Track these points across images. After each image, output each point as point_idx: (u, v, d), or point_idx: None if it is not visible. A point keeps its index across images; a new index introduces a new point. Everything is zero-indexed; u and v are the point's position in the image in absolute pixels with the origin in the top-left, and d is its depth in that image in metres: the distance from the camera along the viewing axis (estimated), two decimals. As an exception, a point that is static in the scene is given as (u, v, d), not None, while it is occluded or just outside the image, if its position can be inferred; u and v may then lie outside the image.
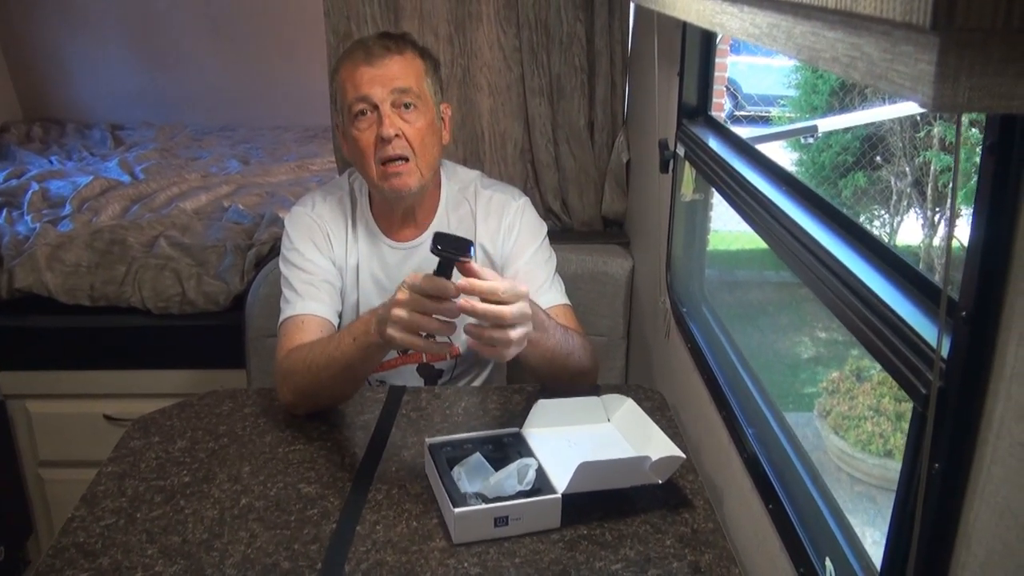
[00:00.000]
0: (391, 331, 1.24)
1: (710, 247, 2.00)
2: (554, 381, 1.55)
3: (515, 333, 1.25)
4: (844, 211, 1.11)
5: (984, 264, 0.67)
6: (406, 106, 1.54)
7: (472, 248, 1.24)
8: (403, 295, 1.23)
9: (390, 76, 1.53)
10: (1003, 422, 0.66)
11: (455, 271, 1.23)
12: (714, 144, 1.53)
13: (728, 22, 0.87)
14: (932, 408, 0.72)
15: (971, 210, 0.68)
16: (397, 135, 1.52)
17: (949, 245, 0.72)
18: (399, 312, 1.23)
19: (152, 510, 1.27)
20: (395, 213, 1.66)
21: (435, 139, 1.60)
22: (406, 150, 1.54)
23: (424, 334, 1.25)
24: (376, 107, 1.53)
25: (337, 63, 1.60)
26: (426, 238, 1.68)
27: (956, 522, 0.72)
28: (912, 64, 0.51)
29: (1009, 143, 0.64)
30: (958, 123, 0.61)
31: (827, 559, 1.03)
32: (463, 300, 1.22)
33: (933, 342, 0.76)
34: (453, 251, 1.22)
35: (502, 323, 1.24)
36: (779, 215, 1.19)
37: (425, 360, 1.75)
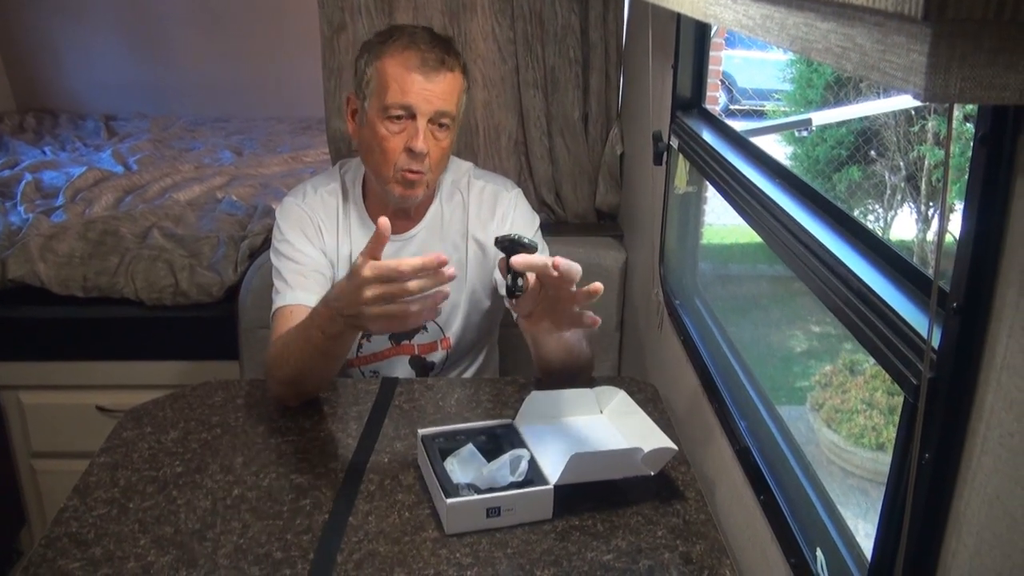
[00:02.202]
0: (373, 327, 1.27)
1: (704, 241, 2.00)
2: (564, 372, 1.55)
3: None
4: (837, 204, 1.11)
5: (975, 255, 0.67)
6: (440, 125, 1.54)
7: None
8: (368, 291, 1.21)
9: (438, 95, 1.51)
10: (993, 412, 0.67)
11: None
12: (708, 137, 1.54)
13: (722, 13, 0.87)
14: (923, 399, 0.72)
15: (963, 203, 0.69)
16: (427, 152, 1.53)
17: (941, 237, 0.72)
18: (373, 310, 1.22)
19: (145, 500, 1.27)
20: (389, 206, 1.66)
21: (450, 153, 1.62)
22: (427, 166, 1.55)
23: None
24: (414, 117, 1.52)
25: (379, 48, 1.55)
26: (419, 230, 1.68)
27: (946, 512, 0.73)
28: (904, 55, 0.51)
29: (1000, 134, 0.64)
30: (949, 113, 0.61)
31: (818, 549, 1.03)
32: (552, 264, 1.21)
33: (924, 333, 0.76)
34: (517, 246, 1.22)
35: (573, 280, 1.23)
36: (772, 207, 1.19)
37: (417, 352, 1.75)
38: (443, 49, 1.54)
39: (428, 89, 1.51)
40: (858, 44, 0.58)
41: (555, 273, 1.21)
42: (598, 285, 1.24)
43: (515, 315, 1.44)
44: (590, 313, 1.28)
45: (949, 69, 0.49)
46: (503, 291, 1.64)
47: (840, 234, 1.04)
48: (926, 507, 0.74)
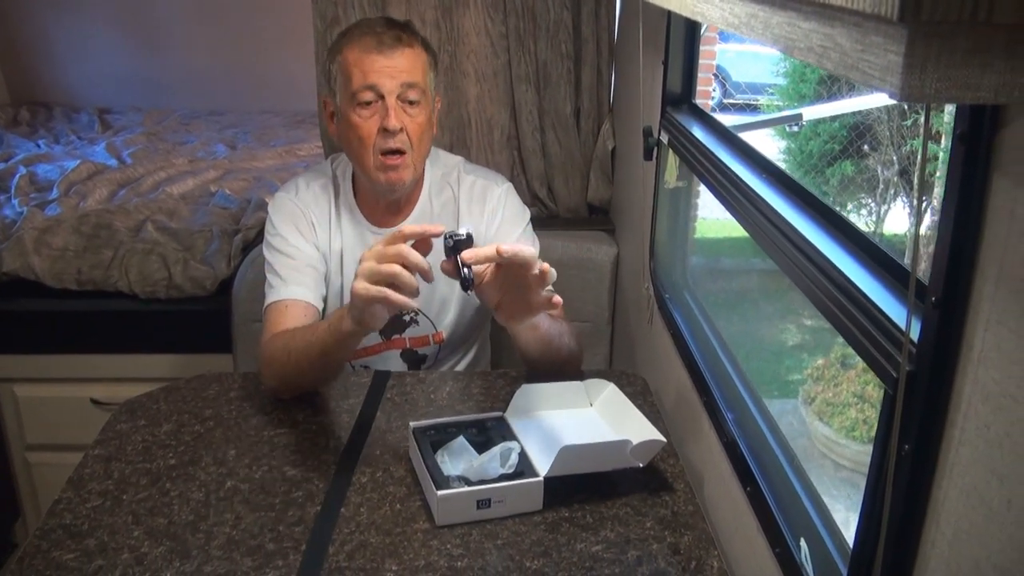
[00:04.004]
0: (357, 285, 1.23)
1: (696, 235, 2.01)
2: (546, 365, 1.56)
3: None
4: (824, 200, 1.12)
5: (953, 250, 0.69)
6: (411, 102, 1.54)
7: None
8: (367, 264, 1.23)
9: (400, 68, 1.52)
10: (971, 404, 0.68)
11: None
12: (697, 132, 1.55)
13: (708, 11, 0.89)
14: (901, 390, 0.74)
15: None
16: (401, 129, 1.53)
17: (917, 231, 0.73)
18: (365, 264, 1.23)
19: (138, 492, 1.28)
20: (379, 201, 1.67)
21: (430, 134, 1.62)
22: (406, 144, 1.55)
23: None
24: (382, 97, 1.53)
25: (339, 43, 1.58)
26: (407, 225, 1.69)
27: (925, 502, 0.74)
28: (881, 55, 0.53)
29: (978, 132, 0.66)
30: (926, 113, 0.62)
31: (802, 539, 1.05)
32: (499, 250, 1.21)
33: (904, 326, 0.77)
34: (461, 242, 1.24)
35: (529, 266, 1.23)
36: (757, 201, 1.20)
37: (408, 346, 1.76)
38: (400, 28, 1.56)
39: (389, 65, 1.52)
40: (838, 44, 0.59)
41: (501, 259, 1.21)
42: (547, 267, 1.24)
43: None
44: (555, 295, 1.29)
45: (925, 69, 0.50)
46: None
47: (823, 228, 1.06)
48: (906, 497, 0.75)
